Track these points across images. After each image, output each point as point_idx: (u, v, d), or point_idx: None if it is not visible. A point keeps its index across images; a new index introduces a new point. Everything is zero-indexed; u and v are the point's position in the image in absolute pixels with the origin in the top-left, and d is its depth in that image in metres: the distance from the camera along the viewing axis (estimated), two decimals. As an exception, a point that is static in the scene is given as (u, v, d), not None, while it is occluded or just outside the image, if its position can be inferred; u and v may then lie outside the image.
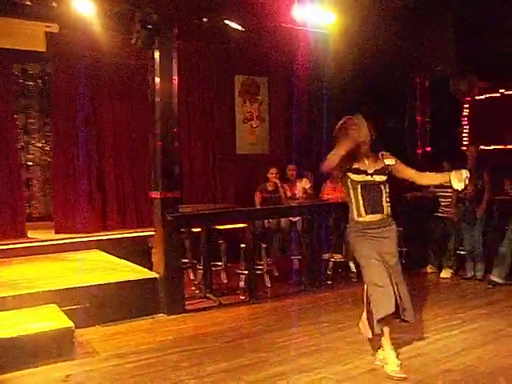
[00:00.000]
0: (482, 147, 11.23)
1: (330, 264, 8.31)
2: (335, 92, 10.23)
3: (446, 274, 8.50)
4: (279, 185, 9.14)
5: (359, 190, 4.82)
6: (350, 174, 4.84)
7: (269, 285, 7.84)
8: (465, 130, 11.83)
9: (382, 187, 4.84)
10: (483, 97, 11.56)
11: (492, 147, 11.43)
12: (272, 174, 9.12)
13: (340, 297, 7.55)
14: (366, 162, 4.85)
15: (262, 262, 7.88)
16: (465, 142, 11.73)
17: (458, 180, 4.64)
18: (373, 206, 4.80)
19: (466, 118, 11.84)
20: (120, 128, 9.64)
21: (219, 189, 10.03)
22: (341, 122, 4.80)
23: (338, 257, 8.41)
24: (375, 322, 4.70)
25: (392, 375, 4.70)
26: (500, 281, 7.79)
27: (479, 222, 8.25)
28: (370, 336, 4.89)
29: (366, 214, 4.81)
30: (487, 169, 8.38)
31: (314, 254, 8.12)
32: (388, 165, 4.86)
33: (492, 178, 8.34)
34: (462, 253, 8.57)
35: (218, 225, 7.82)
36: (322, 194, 9.33)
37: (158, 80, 6.77)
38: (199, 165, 10.00)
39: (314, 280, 8.04)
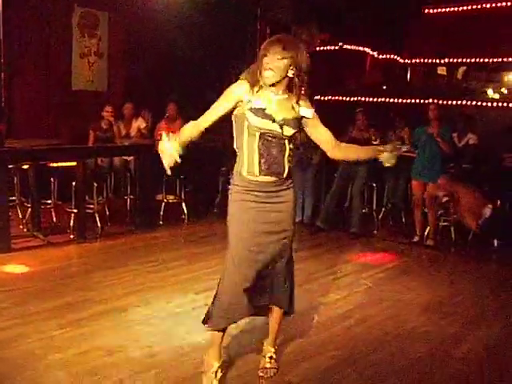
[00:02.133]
0: (318, 97, 11.76)
1: (163, 205, 8.42)
2: (178, 32, 10.15)
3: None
4: (113, 123, 9.03)
5: (257, 141, 3.56)
6: (248, 114, 3.55)
7: (99, 224, 7.80)
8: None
9: (287, 143, 3.60)
10: (323, 48, 11.97)
11: (327, 98, 11.95)
12: (107, 112, 8.96)
13: (171, 237, 7.72)
14: (274, 101, 3.58)
15: (93, 202, 7.81)
16: (302, 93, 12.14)
17: (392, 158, 3.94)
18: (270, 166, 3.58)
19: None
20: None
21: (53, 125, 9.69)
22: (272, 39, 3.58)
23: (170, 198, 8.55)
24: (215, 318, 3.72)
25: None
26: (323, 226, 8.30)
27: (311, 169, 8.66)
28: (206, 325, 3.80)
29: (260, 173, 3.58)
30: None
31: (147, 195, 8.18)
32: (303, 117, 3.64)
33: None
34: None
35: (49, 162, 7.62)
36: (157, 133, 9.33)
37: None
38: (32, 99, 9.56)
39: (146, 220, 8.11)
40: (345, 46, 11.81)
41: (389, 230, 8.65)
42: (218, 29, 10.09)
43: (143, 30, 10.44)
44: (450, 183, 7.51)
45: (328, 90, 11.87)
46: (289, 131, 3.55)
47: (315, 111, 3.71)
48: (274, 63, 3.47)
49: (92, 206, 7.72)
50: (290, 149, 3.63)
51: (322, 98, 11.82)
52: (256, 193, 3.60)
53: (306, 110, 3.62)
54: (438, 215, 7.81)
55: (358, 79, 12.11)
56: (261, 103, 3.53)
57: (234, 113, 3.60)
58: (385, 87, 11.96)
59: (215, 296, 3.72)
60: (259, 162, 3.57)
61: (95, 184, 7.74)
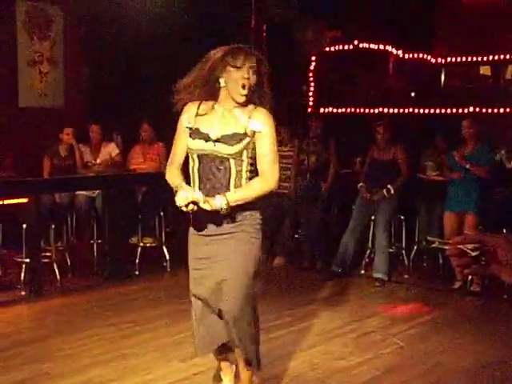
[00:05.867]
0: (331, 109, 11.84)
1: (139, 250, 8.43)
2: (152, 33, 10.22)
3: (278, 261, 8.89)
4: (76, 147, 9.03)
5: (196, 164, 4.02)
6: (188, 136, 4.08)
7: (58, 277, 7.79)
8: (311, 89, 12.30)
9: (232, 163, 3.94)
10: (333, 49, 12.04)
11: (340, 110, 12.00)
12: (67, 134, 8.98)
13: (149, 291, 7.73)
14: (219, 115, 4.04)
15: (51, 248, 7.82)
16: (311, 103, 12.20)
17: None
18: (209, 192, 3.92)
19: (312, 74, 12.31)
20: None
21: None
22: (227, 50, 4.02)
23: (148, 241, 8.55)
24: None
25: None
26: (341, 272, 8.30)
27: (321, 200, 8.70)
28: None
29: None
30: (333, 138, 8.83)
31: (118, 238, 8.19)
32: (252, 131, 3.98)
33: (338, 148, 8.81)
34: (298, 237, 9.03)
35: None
36: (129, 161, 9.34)
37: None
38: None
39: (118, 270, 8.12)
40: (361, 45, 11.86)
41: (423, 274, 8.64)
42: (202, 27, 10.15)
43: (108, 30, 10.48)
44: (480, 234, 7.50)
45: (341, 100, 11.93)
46: (226, 149, 3.91)
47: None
48: (251, 77, 3.91)
49: (49, 254, 7.73)
50: (239, 171, 3.97)
51: (334, 110, 11.88)
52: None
53: (258, 123, 3.95)
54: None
55: (379, 86, 12.15)
56: (202, 120, 4.00)
57: None
58: (413, 94, 12.00)
59: None
60: (199, 188, 3.97)
61: (52, 226, 7.75)
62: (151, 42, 10.14)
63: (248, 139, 3.95)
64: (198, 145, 3.94)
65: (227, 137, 3.91)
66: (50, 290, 7.51)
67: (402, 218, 8.57)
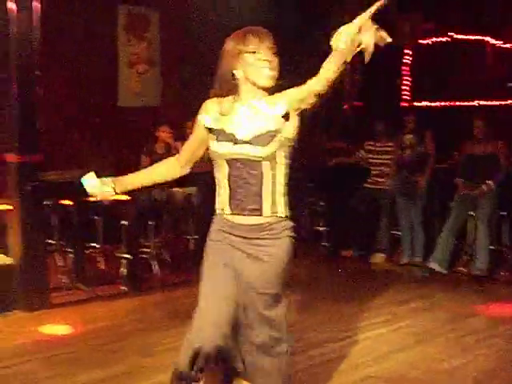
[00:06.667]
0: (426, 103, 11.65)
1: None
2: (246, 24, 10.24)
3: (376, 258, 8.81)
4: (172, 145, 9.11)
5: (225, 170, 3.46)
6: (210, 138, 3.52)
7: (157, 272, 7.89)
8: (405, 82, 12.13)
9: (265, 167, 3.41)
10: (429, 41, 11.85)
11: (438, 103, 11.80)
12: (164, 132, 9.07)
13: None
14: (247, 112, 3.48)
15: (149, 244, 7.90)
16: (405, 97, 12.04)
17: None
18: (241, 201, 3.44)
19: (407, 67, 12.14)
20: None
21: (94, 151, 9.84)
22: (236, 36, 3.52)
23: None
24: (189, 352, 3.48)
25: None
26: (440, 269, 8.14)
27: (419, 195, 8.56)
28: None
29: (231, 211, 3.48)
30: (430, 131, 8.67)
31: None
32: (281, 117, 3.38)
33: (436, 142, 8.65)
34: (396, 233, 8.90)
35: (92, 196, 7.76)
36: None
37: (12, 6, 6.50)
38: (67, 119, 9.73)
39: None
40: (457, 36, 11.61)
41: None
42: (293, 23, 10.12)
43: (202, 30, 10.54)
44: None
45: (437, 93, 11.72)
46: (259, 151, 3.37)
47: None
48: (273, 60, 3.39)
49: (147, 250, 7.81)
50: (273, 175, 3.43)
51: (430, 104, 11.69)
52: (230, 236, 3.47)
53: (279, 105, 3.36)
54: None
55: (476, 78, 11.87)
56: (226, 120, 3.45)
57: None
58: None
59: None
60: (229, 197, 3.44)
61: (151, 222, 7.83)
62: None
63: (281, 135, 3.39)
64: (226, 148, 3.40)
65: (258, 137, 3.37)
66: (149, 285, 7.63)
67: (504, 213, 8.33)
